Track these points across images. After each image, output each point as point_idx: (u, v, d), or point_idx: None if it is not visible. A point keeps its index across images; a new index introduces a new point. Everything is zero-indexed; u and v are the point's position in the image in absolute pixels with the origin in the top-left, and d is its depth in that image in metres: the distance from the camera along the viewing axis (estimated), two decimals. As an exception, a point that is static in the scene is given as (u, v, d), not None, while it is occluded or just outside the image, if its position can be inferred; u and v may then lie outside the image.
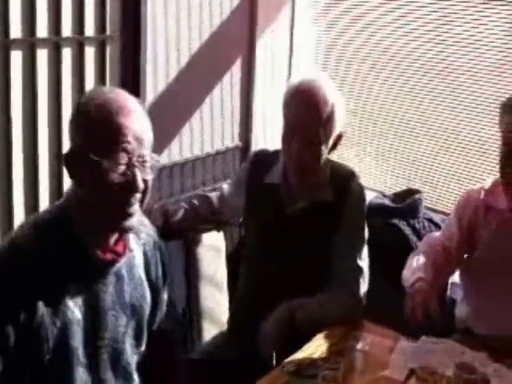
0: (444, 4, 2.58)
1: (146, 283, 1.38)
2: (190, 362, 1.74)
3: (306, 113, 1.68)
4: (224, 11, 2.77)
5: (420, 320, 1.62)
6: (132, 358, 1.35)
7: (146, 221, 1.44)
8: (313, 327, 1.67)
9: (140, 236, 1.38)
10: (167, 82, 2.55)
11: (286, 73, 3.17)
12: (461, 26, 2.57)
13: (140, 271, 1.36)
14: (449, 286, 2.06)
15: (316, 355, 1.56)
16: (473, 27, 2.54)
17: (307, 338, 1.64)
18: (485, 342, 1.67)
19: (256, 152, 1.98)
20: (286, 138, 1.71)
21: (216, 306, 1.97)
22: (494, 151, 2.50)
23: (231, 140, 2.92)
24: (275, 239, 1.78)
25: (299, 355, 1.55)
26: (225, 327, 1.93)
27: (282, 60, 3.14)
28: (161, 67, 2.51)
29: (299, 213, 1.77)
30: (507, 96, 1.81)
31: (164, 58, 2.52)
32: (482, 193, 1.83)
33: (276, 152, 1.85)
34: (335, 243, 1.75)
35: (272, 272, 1.76)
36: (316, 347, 1.61)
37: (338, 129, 1.73)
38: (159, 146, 2.58)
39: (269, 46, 3.04)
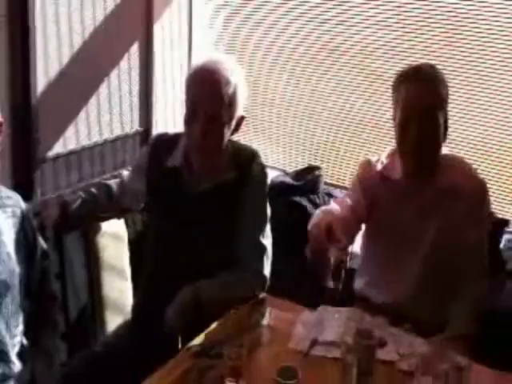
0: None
1: (14, 257, 1.38)
2: (93, 355, 1.70)
3: (208, 92, 1.66)
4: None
5: (320, 251, 1.65)
6: (7, 338, 1.32)
7: (9, 191, 1.44)
8: (218, 307, 1.67)
9: (6, 209, 1.38)
10: (60, 68, 2.44)
11: (186, 55, 3.13)
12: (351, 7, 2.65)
13: (9, 246, 1.37)
14: (349, 256, 2.13)
15: (221, 334, 1.56)
16: (364, 10, 2.63)
17: (213, 318, 1.63)
18: (381, 310, 1.73)
19: (156, 136, 1.94)
20: (189, 118, 1.69)
21: (120, 295, 1.92)
22: (385, 125, 2.62)
23: (131, 125, 2.84)
24: (179, 222, 1.76)
25: (204, 336, 1.55)
26: (129, 316, 1.88)
27: (182, 42, 3.09)
28: (53, 53, 2.40)
29: (202, 194, 1.76)
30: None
31: (56, 43, 2.40)
32: (379, 165, 1.89)
33: (177, 135, 1.82)
34: (238, 222, 1.76)
35: (176, 255, 1.74)
36: (221, 327, 1.61)
37: (240, 110, 1.73)
38: (54, 135, 2.48)
39: (167, 27, 2.98)
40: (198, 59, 1.76)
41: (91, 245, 1.90)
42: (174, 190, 1.78)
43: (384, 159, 1.89)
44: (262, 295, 1.77)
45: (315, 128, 2.86)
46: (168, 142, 1.83)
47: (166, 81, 3.01)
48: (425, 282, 1.79)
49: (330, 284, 1.72)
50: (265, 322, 1.66)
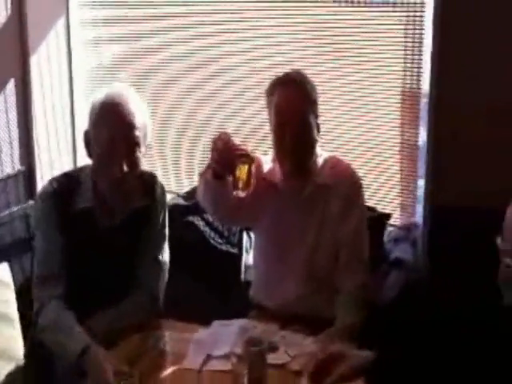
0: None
1: None
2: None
3: (121, 131, 1.67)
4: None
5: (227, 161, 1.67)
6: None
7: None
8: (114, 339, 1.64)
9: None
10: None
11: (67, 91, 3.06)
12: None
13: None
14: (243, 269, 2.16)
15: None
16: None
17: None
18: (273, 313, 1.77)
19: (53, 182, 1.79)
20: (107, 152, 1.67)
21: (9, 344, 1.83)
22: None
23: (12, 167, 2.75)
24: (89, 259, 1.72)
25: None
26: (22, 362, 1.80)
27: (62, 77, 3.03)
28: None
29: (114, 228, 1.75)
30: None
31: None
32: (264, 167, 1.95)
33: (75, 175, 1.79)
34: (141, 246, 1.78)
35: (80, 294, 1.69)
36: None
37: (149, 136, 1.77)
38: None
39: (44, 64, 2.91)
40: (100, 95, 1.75)
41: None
42: (86, 232, 1.73)
43: (268, 163, 1.96)
44: (157, 319, 1.76)
45: (203, 147, 2.89)
46: (67, 184, 1.76)
47: (48, 119, 2.94)
48: (310, 280, 1.85)
49: (241, 194, 1.71)
50: (160, 346, 1.64)
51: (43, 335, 1.64)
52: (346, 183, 1.89)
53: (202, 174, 1.81)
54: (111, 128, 1.68)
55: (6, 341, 1.84)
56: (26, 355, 1.81)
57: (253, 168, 1.70)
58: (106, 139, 1.68)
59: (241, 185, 1.68)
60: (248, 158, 1.68)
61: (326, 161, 1.93)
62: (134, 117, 1.70)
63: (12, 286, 1.93)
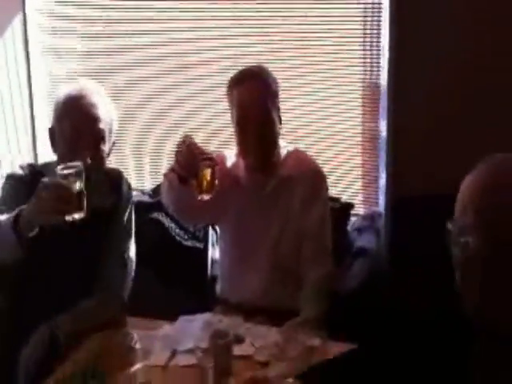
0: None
1: None
2: None
3: (84, 123, 1.69)
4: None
5: (190, 165, 1.67)
6: None
7: None
8: (78, 338, 1.62)
9: None
10: None
11: (26, 87, 3.01)
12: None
13: None
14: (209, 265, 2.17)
15: (77, 366, 1.51)
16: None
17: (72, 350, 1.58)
18: (238, 307, 1.78)
19: (23, 168, 1.81)
20: (72, 146, 1.68)
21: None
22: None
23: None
24: (49, 260, 1.71)
25: (58, 372, 1.49)
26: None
27: (19, 74, 2.97)
28: None
29: (78, 227, 1.68)
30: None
31: None
32: (228, 162, 1.96)
33: (39, 169, 1.79)
34: (106, 243, 1.77)
35: (40, 294, 1.69)
36: (77, 358, 1.55)
37: (114, 132, 1.78)
38: None
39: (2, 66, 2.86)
40: (64, 89, 1.76)
41: None
42: (48, 230, 1.67)
43: (232, 157, 1.96)
44: (122, 317, 1.74)
45: (167, 144, 2.88)
46: (34, 177, 1.74)
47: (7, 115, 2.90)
48: (275, 272, 1.87)
49: (205, 197, 1.72)
50: (126, 343, 1.63)
51: None
52: (309, 175, 1.90)
53: (166, 175, 1.80)
54: (74, 120, 1.69)
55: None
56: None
57: (216, 170, 1.70)
58: (70, 131, 1.69)
59: (204, 188, 1.69)
60: (211, 162, 1.68)
61: (288, 153, 1.94)
62: (98, 110, 1.71)
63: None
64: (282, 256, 1.87)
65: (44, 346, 1.59)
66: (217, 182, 1.69)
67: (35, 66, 2.96)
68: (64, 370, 1.49)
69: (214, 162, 1.68)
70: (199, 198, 1.70)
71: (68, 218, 1.51)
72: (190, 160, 1.65)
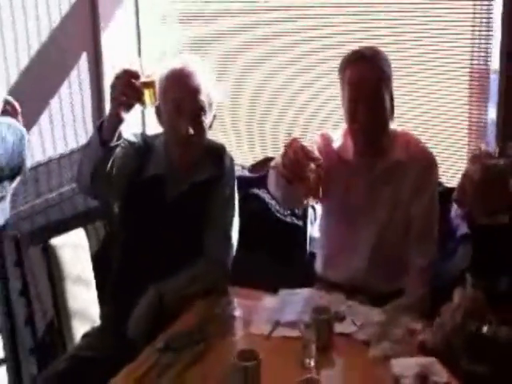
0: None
1: None
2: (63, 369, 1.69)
3: (185, 94, 1.75)
4: (63, 7, 2.70)
5: (298, 169, 1.62)
6: None
7: None
8: (183, 302, 1.70)
9: None
10: (8, 85, 2.45)
11: (137, 63, 3.13)
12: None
13: None
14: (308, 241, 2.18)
15: (184, 328, 1.59)
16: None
17: (177, 315, 1.66)
18: (338, 287, 1.79)
19: (136, 137, 1.88)
20: (174, 115, 1.75)
21: (86, 306, 1.94)
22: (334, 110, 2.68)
23: (86, 139, 2.86)
24: (152, 228, 1.79)
25: (168, 332, 1.58)
26: (97, 323, 1.90)
27: (131, 51, 3.11)
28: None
29: (179, 198, 1.80)
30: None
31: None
32: (336, 143, 1.94)
33: (150, 141, 1.86)
34: (208, 214, 1.82)
35: (146, 258, 1.77)
36: (184, 321, 1.63)
37: (214, 108, 1.83)
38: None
39: (114, 38, 2.99)
40: (169, 62, 1.83)
41: (52, 257, 1.90)
42: (153, 199, 1.81)
43: (339, 138, 1.94)
44: (225, 286, 1.80)
45: (270, 120, 2.91)
46: (145, 146, 1.86)
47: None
48: (378, 254, 1.85)
49: (311, 201, 1.74)
50: (228, 311, 1.69)
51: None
52: (421, 161, 1.85)
53: (273, 167, 1.80)
54: (175, 91, 1.75)
55: (83, 302, 1.94)
56: (102, 317, 1.90)
57: (321, 175, 1.65)
58: (171, 102, 1.75)
59: (309, 193, 1.68)
60: (317, 167, 1.64)
61: (397, 136, 1.89)
62: (198, 82, 1.76)
63: (88, 252, 2.02)
64: (386, 240, 1.85)
65: (152, 307, 1.68)
66: (321, 189, 1.67)
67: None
68: (172, 331, 1.58)
69: (320, 166, 1.64)
70: (304, 201, 1.72)
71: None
72: (295, 164, 1.62)
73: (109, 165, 1.66)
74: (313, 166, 1.61)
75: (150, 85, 1.62)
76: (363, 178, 1.88)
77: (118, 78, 1.61)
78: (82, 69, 2.85)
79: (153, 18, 3.11)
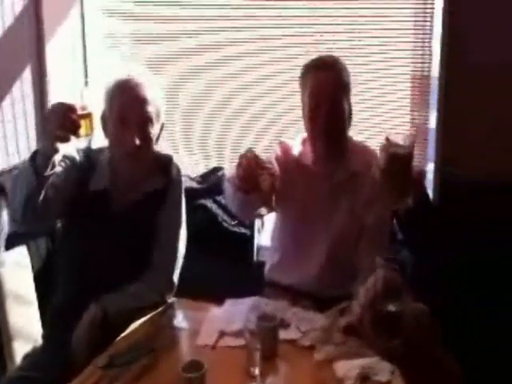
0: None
1: None
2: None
3: (132, 104, 1.74)
4: (6, 18, 2.65)
5: (251, 179, 1.62)
6: None
7: None
8: (128, 317, 1.67)
9: None
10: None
11: (82, 74, 3.10)
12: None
13: None
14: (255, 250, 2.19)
15: (129, 343, 1.56)
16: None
17: (122, 330, 1.63)
18: (286, 291, 1.80)
19: (79, 152, 1.87)
20: (119, 127, 1.74)
21: (27, 324, 1.87)
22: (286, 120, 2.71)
23: (28, 152, 2.79)
24: (99, 241, 1.76)
25: (111, 348, 1.54)
26: (39, 343, 1.85)
27: (77, 62, 3.06)
28: None
29: (127, 209, 1.78)
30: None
31: None
32: (295, 150, 1.96)
33: (93, 155, 1.84)
34: (154, 226, 1.80)
35: (93, 274, 1.74)
36: (129, 336, 1.61)
37: (162, 117, 1.82)
38: None
39: (60, 48, 2.95)
40: (115, 75, 1.81)
41: (-7, 276, 1.85)
42: (97, 213, 1.78)
43: (298, 146, 1.97)
44: (171, 299, 1.79)
45: (216, 130, 2.91)
46: (87, 161, 1.82)
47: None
48: (330, 261, 1.87)
49: (264, 211, 1.74)
50: (174, 324, 1.68)
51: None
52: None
53: (228, 179, 1.81)
54: (122, 101, 1.74)
55: (25, 322, 1.88)
56: (44, 336, 1.85)
57: (275, 184, 1.65)
58: (118, 111, 1.73)
59: (264, 203, 1.69)
60: (271, 176, 1.64)
61: (355, 146, 1.95)
62: (146, 92, 1.75)
63: (30, 269, 1.97)
64: (341, 246, 1.87)
65: (95, 323, 1.63)
66: (274, 199, 1.66)
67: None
68: (116, 347, 1.55)
69: (273, 176, 1.65)
70: (258, 211, 1.73)
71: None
72: (249, 174, 1.63)
73: (42, 196, 1.63)
74: (266, 175, 1.63)
75: (86, 117, 1.60)
76: (322, 185, 1.91)
77: (53, 111, 1.59)
78: (25, 80, 2.79)
79: (98, 36, 3.07)
